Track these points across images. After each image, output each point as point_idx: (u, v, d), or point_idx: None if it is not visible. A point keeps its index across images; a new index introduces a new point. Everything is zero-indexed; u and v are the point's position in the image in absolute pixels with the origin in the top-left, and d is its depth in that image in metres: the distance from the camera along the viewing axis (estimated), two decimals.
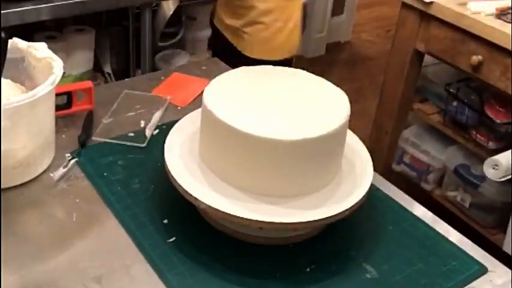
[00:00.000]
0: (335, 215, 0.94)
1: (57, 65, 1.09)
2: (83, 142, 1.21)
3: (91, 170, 1.14)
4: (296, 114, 0.98)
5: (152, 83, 1.46)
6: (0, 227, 0.98)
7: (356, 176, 1.03)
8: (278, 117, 0.96)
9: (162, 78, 1.49)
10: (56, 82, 1.05)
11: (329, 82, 1.07)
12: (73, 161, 1.15)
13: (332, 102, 1.02)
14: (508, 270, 1.01)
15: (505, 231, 2.18)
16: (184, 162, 1.01)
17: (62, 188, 1.10)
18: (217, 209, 0.92)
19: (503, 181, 2.19)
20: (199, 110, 1.03)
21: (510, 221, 2.14)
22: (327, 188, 1.00)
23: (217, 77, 1.05)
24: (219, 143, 0.97)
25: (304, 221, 0.92)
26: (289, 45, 2.04)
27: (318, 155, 0.95)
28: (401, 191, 1.18)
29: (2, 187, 1.05)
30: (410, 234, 1.07)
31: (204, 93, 1.00)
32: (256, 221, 0.91)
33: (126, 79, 1.64)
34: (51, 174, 1.12)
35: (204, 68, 1.56)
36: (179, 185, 0.96)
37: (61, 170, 1.12)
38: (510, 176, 2.13)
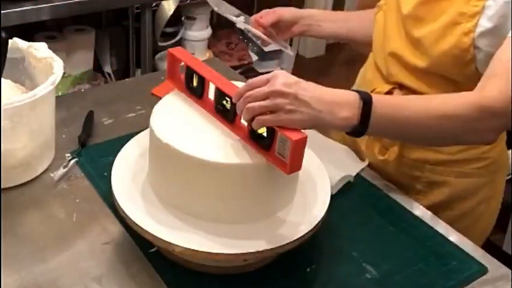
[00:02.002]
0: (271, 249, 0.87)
1: (58, 65, 1.09)
2: (83, 142, 1.21)
3: (91, 170, 1.14)
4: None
5: (152, 83, 1.46)
6: (0, 227, 0.99)
7: (306, 207, 0.95)
8: (225, 139, 0.90)
9: (162, 78, 1.48)
10: (56, 82, 1.05)
11: None
12: (73, 161, 1.15)
13: None
14: (508, 270, 1.01)
15: (505, 231, 2.18)
16: (133, 185, 0.96)
17: (62, 188, 1.10)
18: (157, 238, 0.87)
19: None
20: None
21: (510, 221, 2.15)
22: (274, 216, 0.93)
23: (167, 95, 1.00)
24: (162, 165, 0.92)
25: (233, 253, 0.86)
26: None
27: (260, 181, 0.88)
28: (401, 191, 1.18)
29: (2, 187, 1.05)
30: (410, 234, 1.06)
31: (152, 112, 0.95)
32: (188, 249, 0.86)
33: (126, 79, 1.64)
34: (52, 174, 1.12)
35: None
36: (124, 212, 0.91)
37: (61, 170, 1.12)
38: (510, 176, 2.12)
